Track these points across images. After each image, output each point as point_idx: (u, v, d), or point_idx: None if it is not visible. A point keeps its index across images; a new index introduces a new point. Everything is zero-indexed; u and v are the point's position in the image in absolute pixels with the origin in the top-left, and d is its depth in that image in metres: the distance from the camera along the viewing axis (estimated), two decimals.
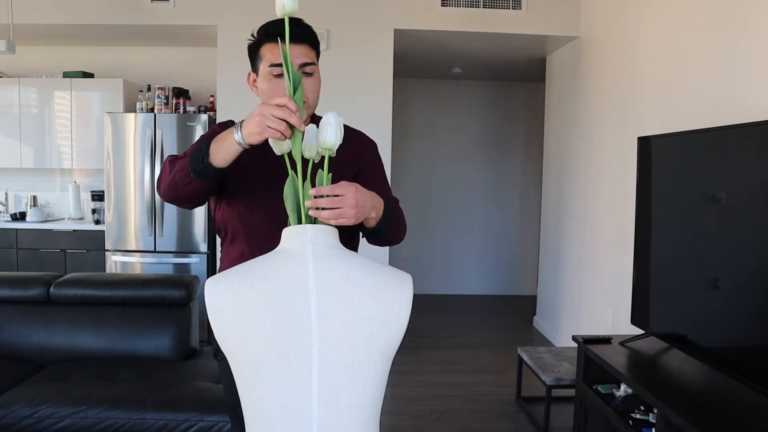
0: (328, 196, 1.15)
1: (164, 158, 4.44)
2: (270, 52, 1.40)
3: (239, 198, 1.46)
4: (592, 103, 4.14)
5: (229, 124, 1.50)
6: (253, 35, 1.45)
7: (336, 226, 1.19)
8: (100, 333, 2.79)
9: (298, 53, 1.39)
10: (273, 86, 1.40)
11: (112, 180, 4.52)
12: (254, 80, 1.48)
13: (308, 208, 1.15)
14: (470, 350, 4.63)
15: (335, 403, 1.06)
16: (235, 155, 1.26)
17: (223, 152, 1.25)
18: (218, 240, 4.50)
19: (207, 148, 1.27)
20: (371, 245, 1.53)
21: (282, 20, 1.34)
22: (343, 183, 1.18)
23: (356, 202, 1.18)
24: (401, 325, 1.10)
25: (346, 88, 4.30)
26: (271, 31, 1.40)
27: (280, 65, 1.35)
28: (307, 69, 1.41)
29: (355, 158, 1.51)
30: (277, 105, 1.16)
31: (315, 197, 1.15)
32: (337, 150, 1.35)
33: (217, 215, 1.54)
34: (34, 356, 2.76)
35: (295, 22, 1.39)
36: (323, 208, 1.15)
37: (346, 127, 1.55)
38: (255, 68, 1.46)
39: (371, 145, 1.60)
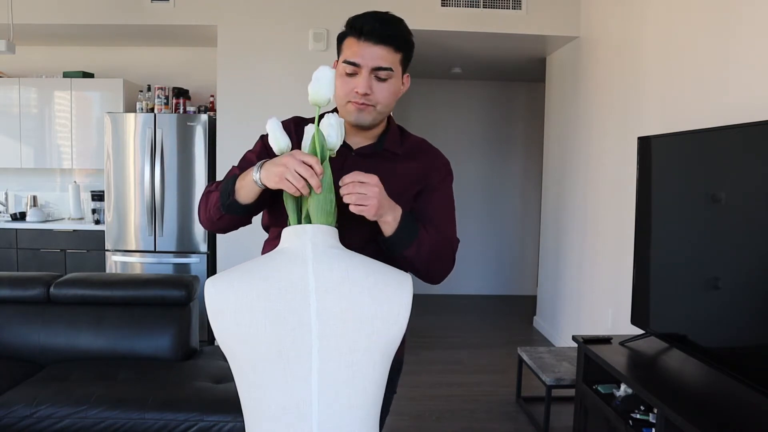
0: (350, 182, 1.16)
1: (164, 158, 4.45)
2: (349, 48, 1.31)
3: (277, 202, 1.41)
4: (592, 103, 4.14)
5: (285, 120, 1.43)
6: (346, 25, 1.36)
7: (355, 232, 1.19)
8: (100, 333, 2.78)
9: (375, 55, 1.29)
10: (343, 84, 1.32)
11: (112, 180, 4.52)
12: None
13: (342, 196, 1.16)
14: (470, 350, 4.63)
15: (335, 402, 1.06)
16: (257, 194, 1.23)
17: (245, 190, 1.24)
18: (218, 240, 4.50)
19: (233, 185, 1.26)
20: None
21: (372, 18, 1.30)
22: (368, 174, 1.17)
23: (379, 190, 1.17)
24: (401, 325, 1.10)
25: None
26: (355, 25, 1.31)
27: (354, 64, 1.29)
28: (380, 74, 1.31)
29: (418, 180, 1.42)
30: (304, 162, 1.13)
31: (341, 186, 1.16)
32: (408, 163, 1.39)
33: (263, 216, 1.51)
34: (34, 356, 2.76)
35: (383, 21, 1.31)
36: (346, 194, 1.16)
37: (427, 145, 1.50)
38: (338, 56, 1.38)
39: (440, 171, 1.46)
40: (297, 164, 1.13)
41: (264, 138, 1.42)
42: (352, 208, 1.16)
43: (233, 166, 1.41)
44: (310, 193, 1.15)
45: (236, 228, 1.39)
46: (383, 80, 1.32)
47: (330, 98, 1.18)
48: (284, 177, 1.13)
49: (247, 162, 1.39)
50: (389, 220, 1.23)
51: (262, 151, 1.40)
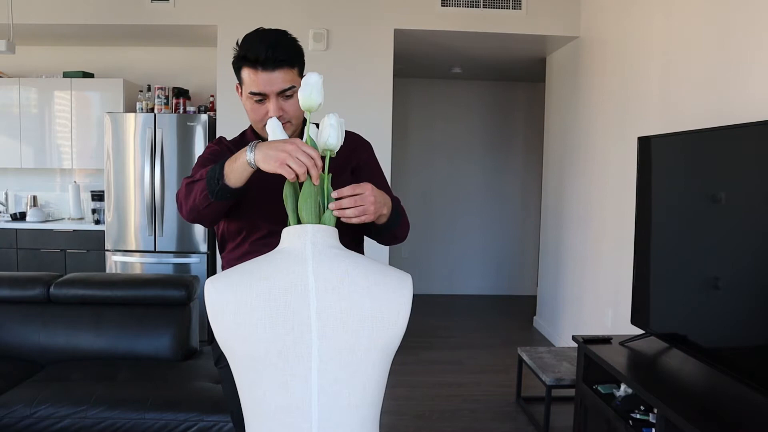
0: (348, 196, 1.19)
1: (164, 158, 4.45)
2: (249, 78, 1.40)
3: (241, 209, 1.44)
4: (592, 103, 4.14)
5: (220, 140, 1.55)
6: (237, 46, 1.43)
7: (343, 227, 1.20)
8: (100, 333, 2.79)
9: (276, 80, 1.38)
10: (255, 110, 1.43)
11: (112, 180, 4.52)
12: (242, 92, 1.47)
13: (331, 210, 1.18)
14: (470, 350, 4.63)
15: (335, 402, 1.06)
16: (249, 175, 1.26)
17: (236, 173, 1.25)
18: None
19: (221, 170, 1.28)
20: (375, 246, 1.55)
21: (262, 47, 1.35)
22: (361, 183, 1.22)
23: (374, 198, 1.22)
24: (401, 325, 1.10)
25: (346, 88, 4.30)
26: (248, 57, 1.38)
27: (260, 94, 1.39)
28: (286, 93, 1.41)
29: (350, 159, 1.53)
30: (307, 153, 1.16)
31: (337, 199, 1.19)
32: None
33: (219, 227, 1.53)
34: (34, 356, 2.76)
35: (273, 46, 1.37)
36: (345, 208, 1.19)
37: (347, 132, 1.57)
38: (240, 82, 1.46)
39: (366, 146, 1.62)
40: (300, 152, 1.16)
41: (222, 140, 1.54)
42: (354, 221, 1.20)
43: (198, 171, 1.41)
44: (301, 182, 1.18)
45: (218, 220, 1.44)
46: (290, 96, 1.41)
47: (321, 103, 1.20)
48: (285, 162, 1.16)
49: (207, 163, 1.42)
50: (386, 212, 1.32)
51: (224, 153, 1.46)
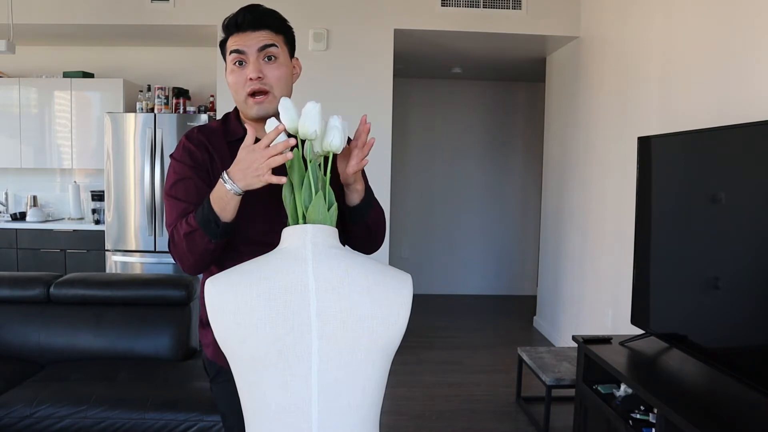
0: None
1: (164, 158, 4.45)
2: (231, 44, 1.35)
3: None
4: (592, 103, 4.14)
5: (192, 135, 1.42)
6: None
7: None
8: (100, 333, 2.79)
9: (257, 39, 1.33)
10: (235, 78, 1.35)
11: (112, 180, 4.52)
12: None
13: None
14: (470, 350, 4.63)
15: (335, 402, 1.06)
16: (238, 203, 1.24)
17: (229, 209, 1.24)
18: None
19: (215, 214, 1.24)
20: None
21: (244, 11, 1.34)
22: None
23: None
24: (401, 325, 1.10)
25: (346, 88, 4.30)
26: (230, 23, 1.35)
27: (239, 51, 1.33)
28: (269, 51, 1.34)
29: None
30: (272, 146, 1.15)
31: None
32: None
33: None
34: (34, 356, 2.76)
35: (256, 10, 1.35)
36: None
37: None
38: (225, 63, 1.41)
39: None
40: (263, 156, 1.16)
41: (188, 148, 1.39)
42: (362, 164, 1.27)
43: (174, 199, 1.35)
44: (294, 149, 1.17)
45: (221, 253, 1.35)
46: (272, 61, 1.35)
47: (316, 131, 1.17)
48: (263, 176, 1.16)
49: (185, 176, 1.36)
50: (359, 188, 1.32)
51: (196, 154, 1.37)
